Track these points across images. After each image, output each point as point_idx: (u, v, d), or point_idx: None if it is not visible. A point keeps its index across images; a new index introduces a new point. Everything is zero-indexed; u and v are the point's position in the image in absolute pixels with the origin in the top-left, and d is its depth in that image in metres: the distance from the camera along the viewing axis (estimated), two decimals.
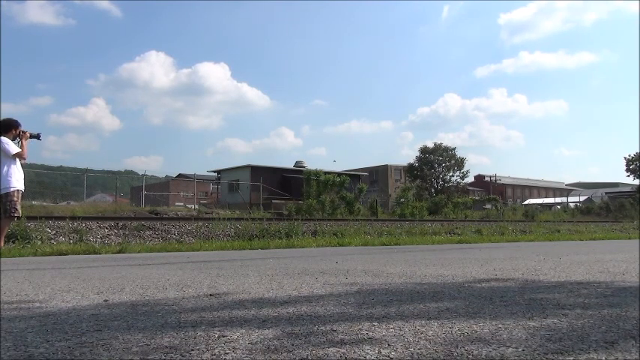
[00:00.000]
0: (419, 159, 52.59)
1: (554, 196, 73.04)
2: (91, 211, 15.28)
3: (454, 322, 1.79)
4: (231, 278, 3.34)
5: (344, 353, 1.38)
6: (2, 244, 6.04)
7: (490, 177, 65.07)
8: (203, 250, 7.59)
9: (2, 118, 6.25)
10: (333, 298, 2.41)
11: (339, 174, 27.22)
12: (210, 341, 1.53)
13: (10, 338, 1.60)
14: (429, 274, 3.49)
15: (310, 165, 40.62)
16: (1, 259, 5.49)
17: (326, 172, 25.21)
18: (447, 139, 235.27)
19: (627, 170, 53.94)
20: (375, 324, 1.76)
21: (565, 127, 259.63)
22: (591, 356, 1.33)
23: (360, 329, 1.68)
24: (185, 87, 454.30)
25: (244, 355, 1.37)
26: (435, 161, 52.24)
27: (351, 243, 9.77)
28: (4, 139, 5.98)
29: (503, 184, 73.12)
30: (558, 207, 47.64)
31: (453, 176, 52.51)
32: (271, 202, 30.72)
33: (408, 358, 1.33)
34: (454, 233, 14.19)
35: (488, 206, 37.15)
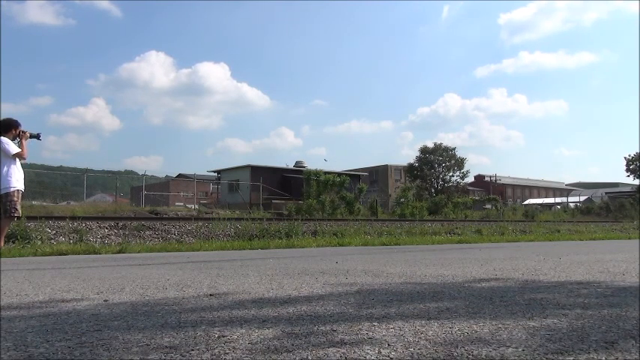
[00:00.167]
0: (419, 159, 52.59)
1: (554, 196, 73.03)
2: (91, 211, 15.28)
3: (454, 322, 1.79)
4: (231, 278, 3.34)
5: (344, 353, 1.38)
6: (2, 244, 6.04)
7: (490, 177, 65.07)
8: (203, 250, 7.59)
9: (2, 118, 6.26)
10: (333, 298, 2.41)
11: (339, 174, 27.22)
12: (210, 341, 1.53)
13: (10, 338, 1.60)
14: (429, 274, 3.49)
15: (310, 165, 40.67)
16: (1, 259, 5.49)
17: (326, 172, 25.21)
18: (447, 139, 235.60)
19: (627, 170, 53.97)
20: (375, 324, 1.76)
21: (565, 127, 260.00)
22: (591, 356, 1.33)
23: (360, 329, 1.68)
24: (185, 87, 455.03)
25: (244, 355, 1.37)
26: (435, 161, 52.24)
27: (351, 243, 9.77)
28: (4, 139, 5.97)
29: (503, 184, 73.12)
30: (558, 207, 47.64)
31: (453, 176, 52.56)
32: (271, 202, 30.72)
33: (408, 358, 1.33)
34: (454, 233, 14.18)
35: (488, 206, 37.15)
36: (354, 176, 37.02)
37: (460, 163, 52.28)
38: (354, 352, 1.39)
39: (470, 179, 58.23)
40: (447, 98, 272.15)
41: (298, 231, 11.05)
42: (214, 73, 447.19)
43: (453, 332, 1.62)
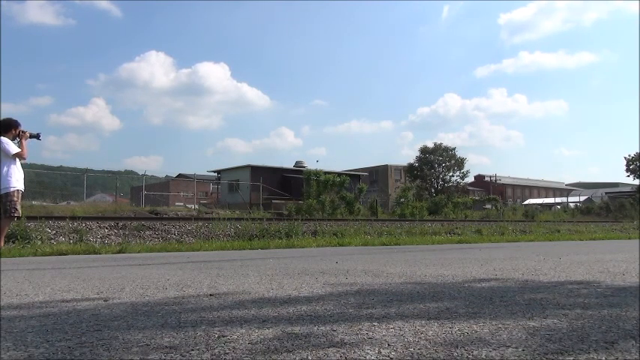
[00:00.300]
0: (419, 159, 52.59)
1: (554, 196, 73.02)
2: (91, 211, 15.28)
3: (454, 322, 1.79)
4: (231, 278, 3.34)
5: (344, 353, 1.38)
6: (2, 244, 6.04)
7: (490, 177, 65.06)
8: (203, 250, 7.59)
9: (2, 118, 6.25)
10: (333, 298, 2.41)
11: (339, 174, 27.21)
12: (210, 341, 1.53)
13: (10, 338, 1.60)
14: (429, 274, 3.49)
15: (310, 165, 40.66)
16: (1, 259, 5.49)
17: (326, 172, 25.20)
18: (447, 139, 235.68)
19: (627, 170, 53.92)
20: (375, 324, 1.76)
21: (565, 127, 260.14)
22: (591, 356, 1.33)
23: (360, 329, 1.68)
24: (185, 87, 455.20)
25: (244, 355, 1.37)
26: (435, 161, 52.23)
27: (351, 243, 9.77)
28: (4, 139, 5.97)
29: (503, 184, 73.11)
30: (558, 207, 47.63)
31: (453, 176, 52.57)
32: (271, 202, 30.71)
33: (408, 358, 1.33)
34: (454, 233, 14.18)
35: (488, 206, 37.14)
36: (354, 176, 37.01)
37: (460, 163, 52.28)
38: (354, 352, 1.39)
39: (470, 179, 58.29)
40: (447, 98, 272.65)
41: (298, 231, 11.04)
42: (214, 73, 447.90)
43: (453, 332, 1.62)
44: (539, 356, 1.33)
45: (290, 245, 8.80)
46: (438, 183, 52.05)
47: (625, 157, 53.73)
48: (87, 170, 30.50)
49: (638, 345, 1.45)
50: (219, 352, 1.40)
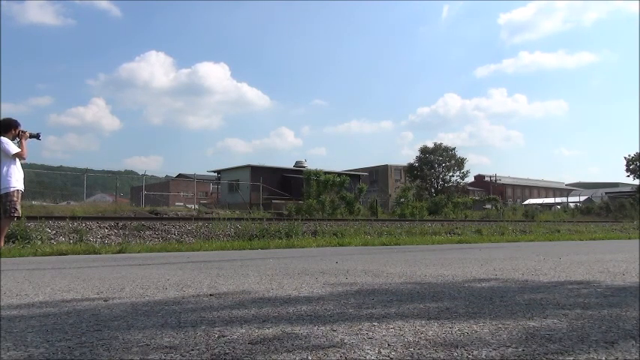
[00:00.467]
0: (419, 159, 52.59)
1: (554, 196, 73.01)
2: (91, 211, 15.28)
3: (454, 322, 1.79)
4: (231, 278, 3.34)
5: (344, 353, 1.38)
6: (2, 244, 6.04)
7: (490, 177, 65.05)
8: (203, 250, 7.59)
9: (2, 118, 6.25)
10: (333, 298, 2.41)
11: (339, 174, 27.21)
12: (210, 341, 1.53)
13: (10, 338, 1.60)
14: (429, 274, 3.49)
15: (310, 165, 40.66)
16: (1, 259, 5.49)
17: (326, 172, 25.21)
18: (447, 139, 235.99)
19: (627, 170, 53.91)
20: (375, 324, 1.76)
21: (565, 127, 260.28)
22: (591, 356, 1.33)
23: (360, 329, 1.68)
24: (185, 87, 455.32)
25: (244, 356, 1.37)
26: (435, 161, 52.23)
27: (351, 243, 9.77)
28: (4, 139, 5.97)
29: (503, 184, 73.11)
30: (558, 207, 47.62)
31: (453, 176, 52.57)
32: (271, 202, 30.71)
33: (408, 358, 1.33)
34: (454, 233, 14.18)
35: (488, 206, 37.14)
36: (354, 176, 37.01)
37: (460, 163, 52.28)
38: (354, 352, 1.39)
39: (470, 179, 58.29)
40: (447, 98, 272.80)
41: (298, 231, 11.04)
42: (214, 73, 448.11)
43: (453, 332, 1.62)
44: (539, 356, 1.33)
45: (290, 245, 8.80)
46: (438, 183, 52.05)
47: (625, 157, 53.77)
48: (87, 170, 30.50)
49: (638, 345, 1.45)
50: (219, 352, 1.40)
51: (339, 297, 2.43)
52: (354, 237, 11.09)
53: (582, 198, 54.21)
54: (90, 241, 8.75)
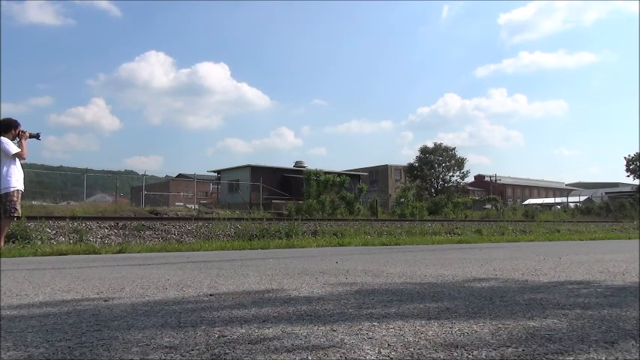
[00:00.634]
0: (419, 159, 52.59)
1: (554, 196, 73.01)
2: (91, 211, 15.27)
3: (454, 322, 1.79)
4: (231, 278, 3.34)
5: (344, 353, 1.38)
6: (2, 244, 6.04)
7: (490, 177, 65.05)
8: (203, 250, 7.59)
9: (2, 118, 6.25)
10: (333, 298, 2.41)
11: (339, 174, 27.21)
12: (210, 341, 1.53)
13: (10, 338, 1.60)
14: (429, 274, 3.49)
15: (310, 165, 40.66)
16: (1, 259, 5.49)
17: (326, 172, 25.21)
18: (447, 139, 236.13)
19: (627, 170, 53.93)
20: (375, 324, 1.76)
21: (565, 127, 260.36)
22: (591, 356, 1.33)
23: (360, 329, 1.68)
24: (185, 87, 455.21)
25: (244, 355, 1.37)
26: (435, 161, 52.23)
27: (351, 243, 9.77)
28: (4, 139, 5.97)
29: (503, 184, 73.11)
30: (558, 207, 47.62)
31: (453, 176, 52.56)
32: (271, 202, 30.71)
33: (408, 358, 1.33)
34: (454, 233, 14.18)
35: (488, 206, 37.14)
36: (354, 176, 37.01)
37: (460, 163, 52.28)
38: (354, 352, 1.39)
39: (470, 179, 58.29)
40: (447, 98, 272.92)
41: (298, 231, 11.04)
42: (214, 73, 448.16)
43: (453, 332, 1.62)
44: (539, 356, 1.33)
45: (290, 245, 8.80)
46: (438, 183, 52.04)
47: (625, 157, 53.79)
48: (87, 170, 30.49)
49: (638, 345, 1.45)
50: (219, 352, 1.40)
51: (339, 297, 2.43)
52: (354, 237, 11.09)
53: (582, 198, 54.20)
54: (90, 241, 8.75)
